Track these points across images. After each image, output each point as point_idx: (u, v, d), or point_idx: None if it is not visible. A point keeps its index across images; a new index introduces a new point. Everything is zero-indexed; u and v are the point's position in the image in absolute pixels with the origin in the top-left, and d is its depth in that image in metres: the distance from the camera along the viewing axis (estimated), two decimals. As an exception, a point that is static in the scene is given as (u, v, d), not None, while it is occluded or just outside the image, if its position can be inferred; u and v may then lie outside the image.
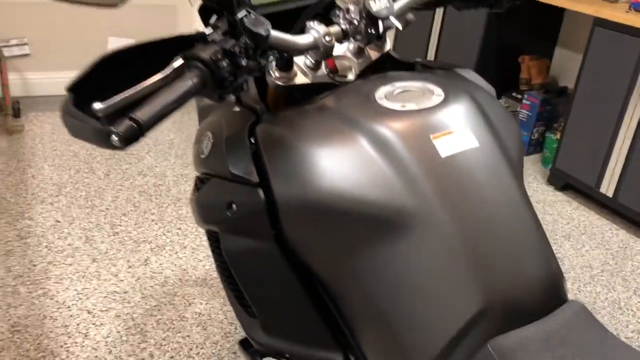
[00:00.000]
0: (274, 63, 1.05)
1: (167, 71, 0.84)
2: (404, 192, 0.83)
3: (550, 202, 2.89)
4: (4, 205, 2.42)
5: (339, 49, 1.10)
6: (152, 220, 2.42)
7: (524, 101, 3.28)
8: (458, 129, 0.87)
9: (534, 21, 3.35)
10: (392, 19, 0.97)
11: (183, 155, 2.96)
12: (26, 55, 3.24)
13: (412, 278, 0.83)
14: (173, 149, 3.03)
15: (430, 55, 3.63)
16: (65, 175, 2.69)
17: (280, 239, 0.95)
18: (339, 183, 0.86)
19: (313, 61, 1.06)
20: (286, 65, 1.05)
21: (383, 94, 0.94)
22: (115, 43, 3.37)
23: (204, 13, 1.20)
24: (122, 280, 2.07)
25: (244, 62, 0.86)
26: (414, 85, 0.95)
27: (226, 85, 0.85)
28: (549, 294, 0.84)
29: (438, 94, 0.92)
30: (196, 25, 0.96)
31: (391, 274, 0.85)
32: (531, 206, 0.89)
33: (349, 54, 1.10)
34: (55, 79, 3.29)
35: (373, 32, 0.96)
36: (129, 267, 2.14)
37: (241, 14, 0.89)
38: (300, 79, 1.07)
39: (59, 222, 2.36)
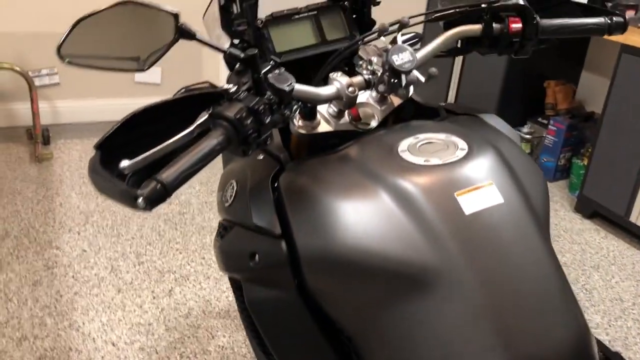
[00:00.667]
0: (297, 112, 1.06)
1: (193, 128, 0.85)
2: (427, 250, 0.82)
3: (577, 231, 2.84)
4: (32, 235, 2.46)
5: (362, 96, 1.10)
6: (177, 250, 2.44)
7: (549, 126, 3.24)
8: (482, 184, 0.86)
9: (560, 46, 3.32)
10: (415, 73, 0.97)
11: (207, 183, 2.98)
12: (56, 84, 3.31)
13: (435, 337, 0.82)
14: (197, 176, 3.05)
15: (455, 78, 3.62)
16: (92, 204, 2.73)
17: (302, 289, 0.95)
18: (361, 238, 0.86)
19: (336, 110, 1.06)
20: (309, 114, 1.05)
21: (406, 146, 0.93)
22: (142, 75, 3.43)
23: (229, 61, 1.22)
24: (146, 312, 2.09)
25: (267, 120, 0.86)
26: (437, 137, 0.95)
27: (250, 141, 0.85)
28: (577, 355, 0.82)
29: (462, 147, 0.92)
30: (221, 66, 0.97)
31: (414, 331, 0.84)
32: (558, 263, 0.88)
33: (371, 101, 1.10)
34: (84, 107, 3.36)
35: (396, 84, 0.96)
36: (154, 297, 2.16)
37: (265, 67, 0.90)
38: (324, 127, 1.08)
39: (85, 251, 2.39)
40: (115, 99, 3.43)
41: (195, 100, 0.96)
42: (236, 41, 1.22)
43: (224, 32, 1.20)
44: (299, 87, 0.94)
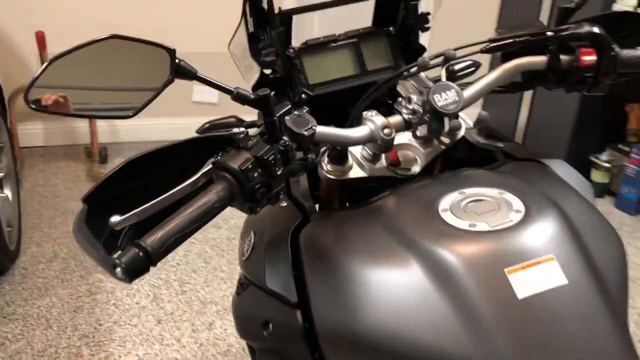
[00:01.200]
0: (326, 154, 0.92)
1: (196, 179, 0.73)
2: (467, 343, 0.66)
3: (663, 273, 2.54)
4: (79, 258, 2.43)
5: (403, 137, 0.94)
6: (222, 279, 2.35)
7: (632, 155, 2.95)
8: (541, 259, 0.69)
9: (645, 66, 3.03)
10: (462, 117, 0.81)
11: (259, 207, 2.89)
12: (115, 102, 3.33)
13: None
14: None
15: (527, 99, 3.38)
16: (142, 226, 2.69)
17: None
18: (388, 319, 0.71)
19: (371, 153, 0.92)
20: (339, 158, 0.91)
21: (448, 204, 0.78)
22: (200, 91, 3.40)
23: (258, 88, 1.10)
24: (184, 347, 1.99)
25: (279, 171, 0.73)
26: (488, 193, 0.78)
27: (258, 197, 0.72)
28: None
29: (517, 208, 0.75)
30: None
31: None
32: (637, 358, 0.69)
33: (414, 143, 0.95)
34: (141, 126, 3.36)
35: (437, 128, 0.81)
36: (193, 330, 2.06)
37: (282, 108, 0.77)
38: (356, 172, 0.93)
39: (129, 277, 2.34)
40: (172, 119, 3.41)
41: (204, 144, 0.84)
42: (268, 71, 1.11)
43: (254, 61, 1.08)
44: (322, 130, 0.81)
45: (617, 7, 2.85)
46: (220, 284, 2.32)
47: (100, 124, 3.28)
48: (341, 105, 1.09)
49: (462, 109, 0.81)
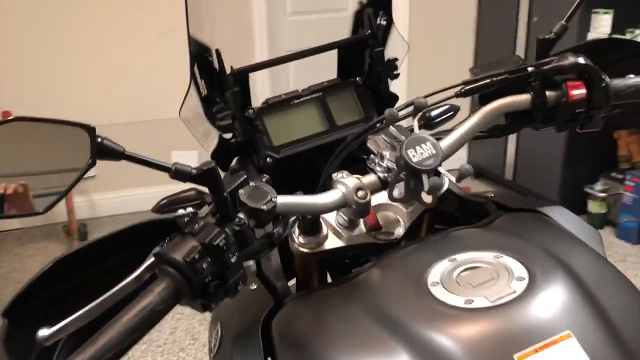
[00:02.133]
0: (296, 225, 0.81)
1: (137, 275, 0.62)
2: None
3: (677, 304, 2.41)
4: (58, 346, 2.28)
5: (381, 196, 0.84)
6: (211, 356, 2.19)
7: (626, 182, 2.86)
8: (556, 338, 0.57)
9: (627, 92, 2.98)
10: (442, 173, 0.70)
11: (247, 273, 2.76)
12: (92, 176, 3.22)
13: None
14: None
15: (512, 136, 3.31)
16: (125, 305, 2.54)
17: None
18: None
19: (347, 218, 0.81)
20: (311, 228, 0.80)
21: (439, 276, 0.66)
22: (179, 157, 3.31)
23: (220, 159, 1.00)
24: None
25: (234, 258, 0.62)
26: (483, 258, 0.67)
27: (210, 291, 0.61)
28: None
29: (519, 275, 0.63)
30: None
31: None
32: None
33: (394, 202, 0.84)
34: (121, 198, 3.25)
35: (415, 188, 0.70)
36: (183, 418, 1.90)
37: (235, 181, 0.67)
38: (333, 242, 0.82)
39: (112, 363, 2.18)
40: (154, 187, 3.28)
41: (150, 231, 0.73)
42: (228, 135, 1.01)
43: (212, 127, 0.98)
44: (286, 200, 0.70)
45: (591, 35, 2.83)
46: (210, 362, 2.16)
47: (78, 199, 3.17)
48: (311, 167, 0.99)
49: (441, 162, 0.70)
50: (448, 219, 0.94)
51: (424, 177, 0.69)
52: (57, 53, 3.03)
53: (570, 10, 0.82)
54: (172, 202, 0.76)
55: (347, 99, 1.01)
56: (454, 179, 0.73)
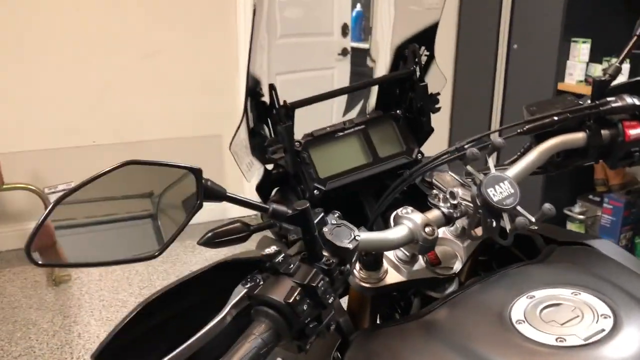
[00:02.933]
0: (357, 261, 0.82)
1: (225, 314, 0.61)
2: None
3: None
4: (47, 376, 2.20)
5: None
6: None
7: (604, 205, 2.96)
8: None
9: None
10: (521, 212, 0.72)
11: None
12: (72, 198, 3.15)
13: None
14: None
15: (492, 159, 3.39)
16: (113, 332, 2.47)
17: None
18: None
19: (408, 254, 0.82)
20: (374, 263, 0.81)
21: (521, 313, 0.68)
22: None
23: (262, 191, 1.00)
24: None
25: (330, 300, 0.62)
26: (561, 294, 0.69)
27: (308, 333, 0.61)
28: None
29: (603, 312, 0.66)
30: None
31: None
32: None
33: (450, 236, 0.86)
34: (102, 221, 3.17)
35: (494, 226, 0.72)
36: None
37: (315, 218, 0.67)
38: (394, 277, 0.83)
39: (105, 392, 2.11)
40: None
41: (226, 273, 0.73)
42: (270, 166, 1.01)
43: (255, 159, 0.98)
44: (364, 236, 0.71)
45: (570, 64, 2.93)
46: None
47: (58, 222, 3.08)
48: (352, 198, 1.00)
49: (518, 202, 0.72)
50: (490, 250, 0.96)
51: (505, 215, 0.71)
52: (41, 70, 2.96)
53: (624, 52, 0.86)
54: (218, 235, 0.76)
55: (388, 132, 1.02)
56: (534, 220, 0.74)
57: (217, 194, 0.61)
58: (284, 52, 3.46)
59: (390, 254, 0.83)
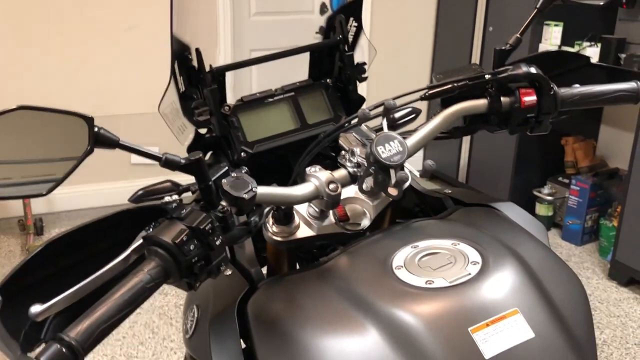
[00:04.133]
0: (270, 216, 0.87)
1: (126, 256, 0.66)
2: None
3: (614, 301, 2.57)
4: (14, 340, 2.26)
5: (349, 190, 0.90)
6: (172, 349, 2.21)
7: (572, 186, 3.02)
8: (505, 314, 0.65)
9: (574, 101, 3.15)
10: (408, 168, 0.77)
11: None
12: (49, 170, 3.19)
13: None
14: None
15: (467, 138, 3.45)
16: (83, 299, 2.53)
17: None
18: None
19: (318, 210, 0.87)
20: (285, 218, 0.86)
21: (402, 260, 0.73)
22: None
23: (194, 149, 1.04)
24: None
25: (218, 241, 0.67)
26: (442, 245, 0.75)
27: (196, 272, 0.66)
28: None
29: (473, 259, 0.71)
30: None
31: None
32: None
33: (361, 196, 0.91)
34: (78, 193, 3.22)
35: (383, 181, 0.77)
36: (143, 409, 1.92)
37: (219, 171, 0.72)
38: (304, 231, 0.88)
39: (71, 356, 2.18)
40: (112, 183, 3.30)
41: (134, 216, 0.77)
42: (203, 131, 1.05)
43: (188, 122, 1.03)
44: (264, 190, 0.75)
45: (542, 46, 2.97)
46: (170, 355, 2.18)
47: (34, 194, 3.13)
48: (282, 162, 1.05)
49: (407, 159, 0.77)
50: (408, 213, 1.02)
51: (392, 171, 0.76)
52: (17, 45, 2.99)
53: (525, 25, 0.90)
54: (149, 193, 0.81)
55: (317, 99, 1.07)
56: (417, 174, 0.80)
57: (110, 141, 0.65)
58: (259, 29, 3.50)
59: (302, 210, 0.88)
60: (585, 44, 2.88)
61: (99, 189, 3.28)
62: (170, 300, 2.51)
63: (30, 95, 3.04)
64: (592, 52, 2.81)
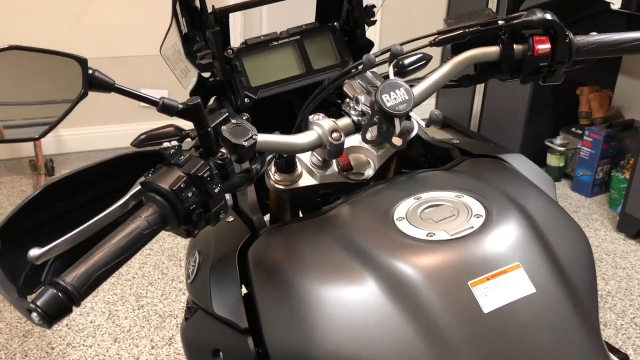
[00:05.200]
0: (272, 163, 0.86)
1: (124, 201, 0.66)
2: None
3: (621, 253, 2.56)
4: (27, 278, 2.31)
5: (353, 139, 0.88)
6: (180, 290, 2.26)
7: (585, 137, 2.97)
8: (506, 268, 0.64)
9: (593, 49, 3.06)
10: (414, 118, 0.75)
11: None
12: (59, 111, 3.17)
13: None
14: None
15: (480, 86, 3.38)
16: (93, 240, 2.57)
17: None
18: (346, 342, 0.65)
19: (320, 159, 0.85)
20: (287, 166, 0.85)
21: (404, 211, 0.72)
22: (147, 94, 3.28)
23: (197, 95, 1.02)
24: (143, 365, 1.90)
25: (217, 189, 0.66)
26: (445, 197, 0.73)
27: (195, 218, 0.65)
28: None
29: (477, 212, 0.70)
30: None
31: None
32: None
33: (365, 145, 0.89)
34: (88, 135, 3.22)
35: (387, 131, 0.75)
36: (152, 347, 1.97)
37: (218, 118, 0.70)
38: (307, 180, 0.87)
39: (82, 295, 2.23)
40: (121, 125, 3.28)
41: (133, 161, 0.77)
42: (207, 74, 1.03)
43: (190, 64, 1.00)
44: (265, 138, 0.74)
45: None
46: (179, 296, 2.23)
47: (44, 134, 3.13)
48: (287, 107, 1.03)
49: (412, 108, 0.75)
50: (415, 163, 1.00)
51: (396, 120, 0.74)
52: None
53: (542, -33, 0.86)
54: (151, 137, 0.79)
55: (324, 43, 1.03)
56: (423, 124, 0.78)
57: (105, 84, 0.64)
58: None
59: (305, 159, 0.87)
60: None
61: (109, 130, 3.27)
62: (179, 242, 2.54)
63: (33, 35, 2.99)
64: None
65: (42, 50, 0.60)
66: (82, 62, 0.60)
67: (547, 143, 3.12)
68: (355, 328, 0.65)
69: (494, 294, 0.62)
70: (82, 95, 0.61)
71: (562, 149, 3.08)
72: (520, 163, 0.89)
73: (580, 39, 0.85)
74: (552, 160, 3.11)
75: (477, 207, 0.71)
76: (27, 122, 0.61)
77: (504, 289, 0.63)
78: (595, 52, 0.86)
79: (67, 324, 2.06)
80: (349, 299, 0.67)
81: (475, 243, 0.66)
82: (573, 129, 3.11)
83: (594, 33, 0.88)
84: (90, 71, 0.62)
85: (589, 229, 2.75)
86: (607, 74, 3.18)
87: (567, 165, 3.14)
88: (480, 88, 3.40)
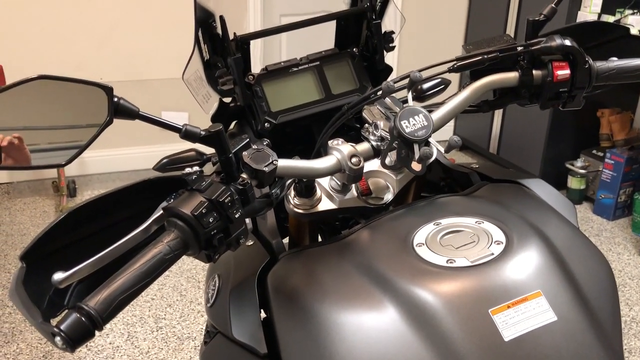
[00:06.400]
0: (292, 187, 0.86)
1: (147, 226, 0.67)
2: None
3: (646, 278, 2.52)
4: (48, 298, 2.33)
5: (372, 163, 0.89)
6: (198, 312, 2.26)
7: (606, 160, 2.95)
8: (527, 296, 0.64)
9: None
10: (433, 144, 0.75)
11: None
12: (81, 134, 3.23)
13: None
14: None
15: (498, 111, 3.37)
16: (113, 261, 2.59)
17: None
18: None
19: (340, 183, 0.86)
20: (306, 190, 0.85)
21: (424, 237, 0.72)
22: (169, 117, 3.32)
23: (218, 120, 1.04)
24: (161, 387, 1.90)
25: (237, 214, 0.67)
26: (465, 223, 0.73)
27: (215, 244, 0.66)
28: None
29: (497, 239, 0.70)
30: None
31: None
32: None
33: (384, 169, 0.89)
34: (110, 156, 3.26)
35: (407, 157, 0.75)
36: (170, 369, 1.98)
37: (239, 144, 0.72)
38: (326, 204, 0.87)
39: (101, 316, 2.24)
40: (143, 147, 3.32)
41: (155, 186, 0.78)
42: (228, 100, 1.05)
43: (212, 90, 1.02)
44: (285, 163, 0.75)
45: (581, 14, 2.86)
46: (197, 318, 2.23)
47: (67, 156, 3.18)
48: (307, 132, 1.04)
49: (431, 134, 0.75)
50: (434, 187, 1.00)
51: (415, 146, 0.74)
52: (49, 6, 3.00)
53: (560, -8, 0.86)
54: (173, 162, 0.81)
55: (343, 69, 1.05)
56: (442, 150, 0.78)
57: (130, 112, 0.65)
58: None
59: (324, 183, 0.87)
60: (628, 11, 2.77)
61: (131, 152, 3.32)
62: (198, 264, 2.56)
63: (63, 60, 3.07)
64: (635, 20, 2.70)
65: (69, 80, 0.61)
66: (108, 90, 0.62)
67: (568, 165, 3.09)
68: (375, 355, 0.64)
69: (514, 322, 0.62)
70: (108, 123, 0.62)
71: (583, 171, 3.06)
72: (541, 188, 0.89)
73: (599, 64, 0.85)
74: (573, 182, 3.08)
75: (498, 234, 0.70)
76: (53, 146, 0.63)
77: (525, 317, 0.62)
78: (615, 77, 0.86)
79: (86, 345, 2.08)
80: (368, 326, 0.66)
81: (495, 270, 0.66)
82: (594, 151, 3.09)
83: (614, 58, 0.88)
84: (116, 99, 0.64)
85: (612, 253, 2.70)
86: (628, 96, 3.16)
87: (588, 188, 3.10)
88: (499, 110, 3.39)
